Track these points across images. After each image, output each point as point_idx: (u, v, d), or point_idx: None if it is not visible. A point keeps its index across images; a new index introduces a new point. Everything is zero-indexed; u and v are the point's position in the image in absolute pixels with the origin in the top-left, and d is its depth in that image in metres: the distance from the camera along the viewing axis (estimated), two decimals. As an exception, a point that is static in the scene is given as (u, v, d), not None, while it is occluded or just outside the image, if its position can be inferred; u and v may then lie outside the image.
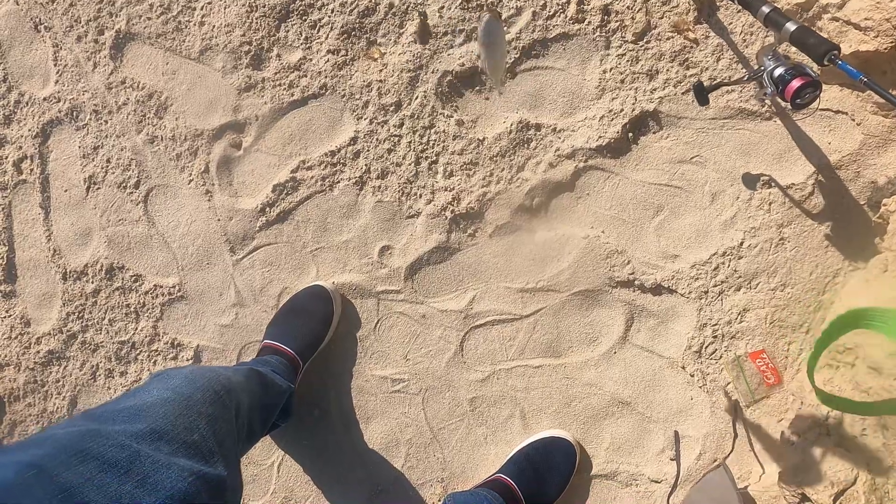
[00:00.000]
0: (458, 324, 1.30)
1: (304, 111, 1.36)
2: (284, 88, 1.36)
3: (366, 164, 1.33)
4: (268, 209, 1.36)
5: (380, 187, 1.33)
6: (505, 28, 0.82)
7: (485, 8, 1.25)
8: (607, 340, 1.27)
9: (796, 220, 1.23)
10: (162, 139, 1.41)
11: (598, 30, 1.31)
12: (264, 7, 1.36)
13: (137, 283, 1.43)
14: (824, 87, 1.19)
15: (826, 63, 0.89)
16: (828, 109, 1.23)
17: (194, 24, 1.40)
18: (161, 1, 1.40)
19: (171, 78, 1.41)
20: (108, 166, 1.43)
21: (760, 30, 1.22)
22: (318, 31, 1.36)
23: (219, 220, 1.39)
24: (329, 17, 1.36)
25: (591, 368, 1.27)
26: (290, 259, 1.37)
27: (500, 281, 1.30)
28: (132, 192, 1.42)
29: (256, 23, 1.37)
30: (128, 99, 1.42)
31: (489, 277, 1.30)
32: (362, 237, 1.33)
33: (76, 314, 1.46)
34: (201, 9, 1.39)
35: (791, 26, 0.94)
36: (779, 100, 1.00)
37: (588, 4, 1.32)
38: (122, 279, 1.43)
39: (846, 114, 1.21)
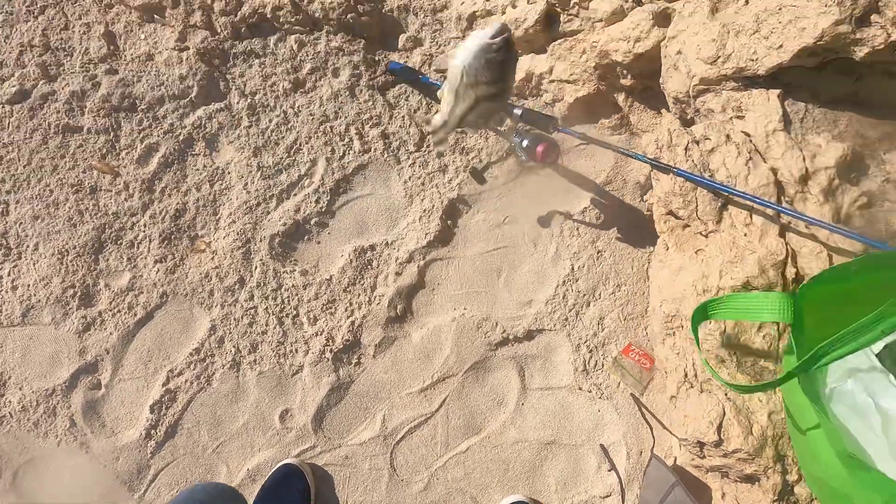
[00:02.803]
0: (380, 449, 1.34)
1: (153, 325, 1.37)
2: (125, 313, 1.37)
3: (233, 346, 1.37)
4: (153, 431, 1.32)
5: (255, 361, 1.36)
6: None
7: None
8: (512, 397, 1.39)
9: (602, 233, 1.47)
10: (12, 415, 1.32)
11: (385, 152, 1.52)
12: (75, 248, 1.38)
13: (36, 577, 1.28)
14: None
15: (552, 130, 1.14)
16: (581, 144, 1.53)
17: (6, 292, 1.37)
18: (-39, 284, 1.35)
19: (-1, 352, 1.34)
20: (-44, 471, 1.30)
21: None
22: (138, 248, 1.40)
23: (104, 466, 1.31)
24: (144, 231, 1.41)
25: (511, 428, 1.37)
26: (196, 468, 1.32)
27: (401, 391, 1.38)
28: (-5, 485, 1.30)
29: (72, 264, 1.38)
30: (-43, 392, 1.32)
31: (390, 393, 1.38)
32: (258, 413, 1.34)
33: None
34: (8, 275, 1.37)
35: (518, 111, 1.20)
36: (533, 163, 1.25)
37: (368, 136, 1.52)
38: (17, 581, 1.27)
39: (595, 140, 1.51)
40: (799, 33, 0.88)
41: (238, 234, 1.43)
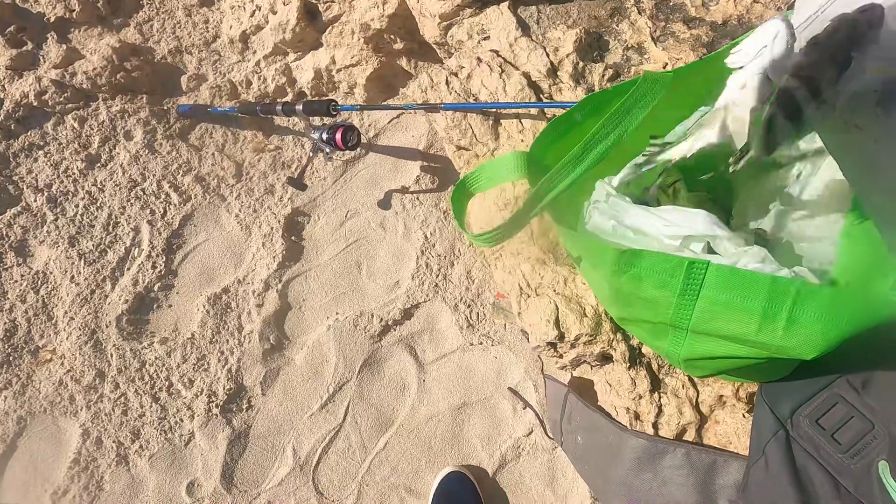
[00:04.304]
0: (300, 479, 1.30)
1: (20, 453, 1.27)
2: (-17, 454, 1.26)
3: (113, 442, 1.28)
4: (57, 562, 1.22)
5: (142, 446, 1.29)
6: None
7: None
8: (412, 378, 1.38)
9: (441, 194, 1.49)
10: None
11: (206, 194, 1.47)
12: None
13: None
14: (370, 112, 1.51)
15: (334, 113, 1.15)
16: (393, 118, 1.54)
17: None
18: None
19: None
20: None
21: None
22: (-24, 383, 1.30)
23: None
24: (-24, 365, 1.30)
25: (421, 406, 1.36)
26: (118, 580, 1.24)
27: (301, 416, 1.34)
28: None
29: None
30: None
31: (291, 422, 1.33)
32: (163, 497, 1.27)
33: None
34: None
35: (299, 107, 1.20)
36: (340, 152, 1.25)
37: (183, 185, 1.48)
38: None
39: (401, 111, 1.53)
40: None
41: (81, 329, 1.35)
